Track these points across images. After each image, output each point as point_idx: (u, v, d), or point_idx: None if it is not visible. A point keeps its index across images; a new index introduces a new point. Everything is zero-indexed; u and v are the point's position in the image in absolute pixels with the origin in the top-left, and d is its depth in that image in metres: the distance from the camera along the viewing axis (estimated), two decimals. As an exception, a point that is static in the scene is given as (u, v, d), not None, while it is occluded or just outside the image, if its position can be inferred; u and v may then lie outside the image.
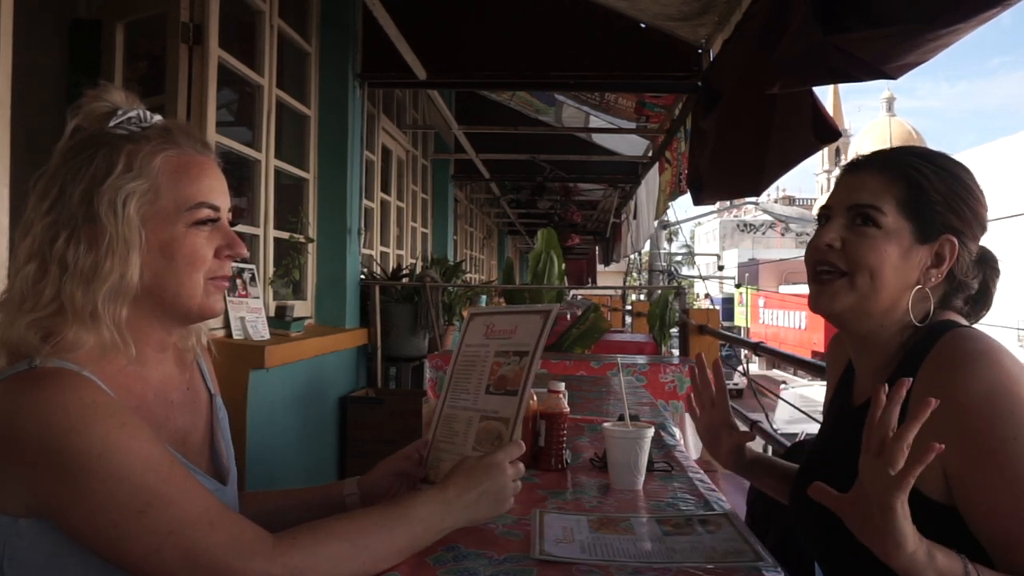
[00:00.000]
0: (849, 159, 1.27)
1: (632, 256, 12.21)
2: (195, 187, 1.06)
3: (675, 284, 12.59)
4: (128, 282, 1.01)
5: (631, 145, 6.98)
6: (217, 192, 1.09)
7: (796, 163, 2.49)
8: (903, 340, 1.16)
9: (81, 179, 1.00)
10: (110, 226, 0.99)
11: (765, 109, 2.52)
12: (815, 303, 1.20)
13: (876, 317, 1.16)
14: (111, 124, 1.04)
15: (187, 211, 1.05)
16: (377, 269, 4.76)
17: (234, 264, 1.15)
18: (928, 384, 1.03)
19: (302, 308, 3.52)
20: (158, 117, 1.09)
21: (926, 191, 1.13)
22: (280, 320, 3.10)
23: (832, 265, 1.17)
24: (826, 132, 2.15)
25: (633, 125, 5.89)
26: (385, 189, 5.37)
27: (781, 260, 38.56)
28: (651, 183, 7.28)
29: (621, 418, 1.52)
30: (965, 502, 1.00)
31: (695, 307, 9.20)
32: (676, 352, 6.13)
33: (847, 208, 1.16)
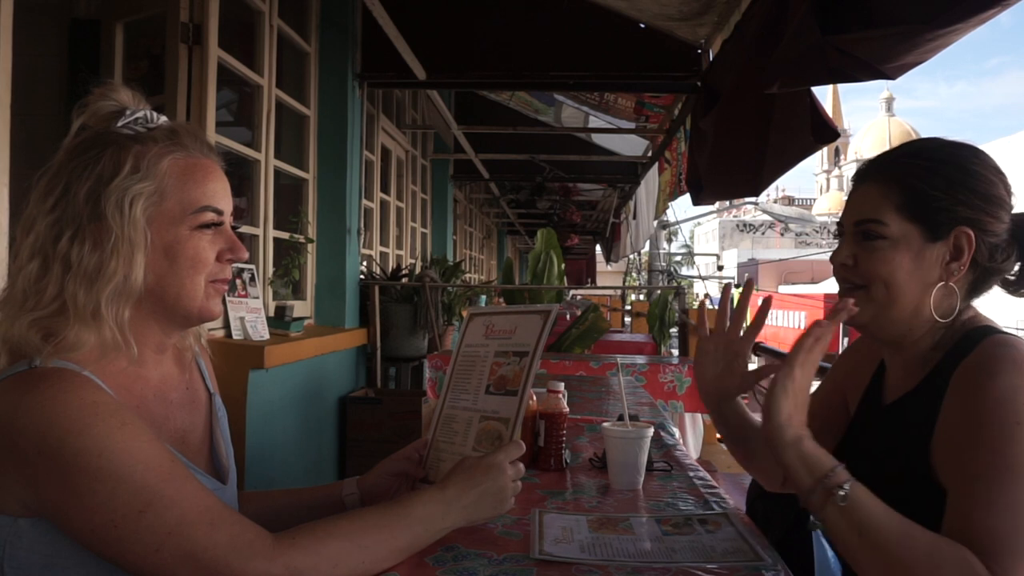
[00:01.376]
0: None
1: (631, 256, 12.22)
2: (200, 190, 1.06)
3: (674, 284, 12.59)
4: (132, 283, 1.01)
5: (630, 145, 6.99)
6: (221, 196, 1.09)
7: (794, 163, 2.49)
8: (936, 340, 1.17)
9: (87, 178, 1.00)
10: (116, 227, 0.99)
11: (764, 109, 2.52)
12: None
13: (903, 321, 1.16)
14: (119, 124, 1.04)
15: (192, 214, 1.05)
16: (376, 269, 4.76)
17: (234, 264, 1.15)
18: (957, 386, 1.05)
19: (301, 308, 3.52)
20: (164, 118, 1.09)
21: (924, 191, 1.12)
22: (279, 320, 3.10)
23: (850, 281, 1.19)
24: (825, 132, 2.16)
25: (632, 125, 5.90)
26: (384, 189, 5.38)
27: (780, 260, 38.55)
28: (650, 183, 7.28)
29: (620, 418, 1.52)
30: (948, 479, 1.03)
31: (694, 307, 9.20)
32: (675, 352, 6.13)
33: (854, 224, 1.18)
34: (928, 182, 1.12)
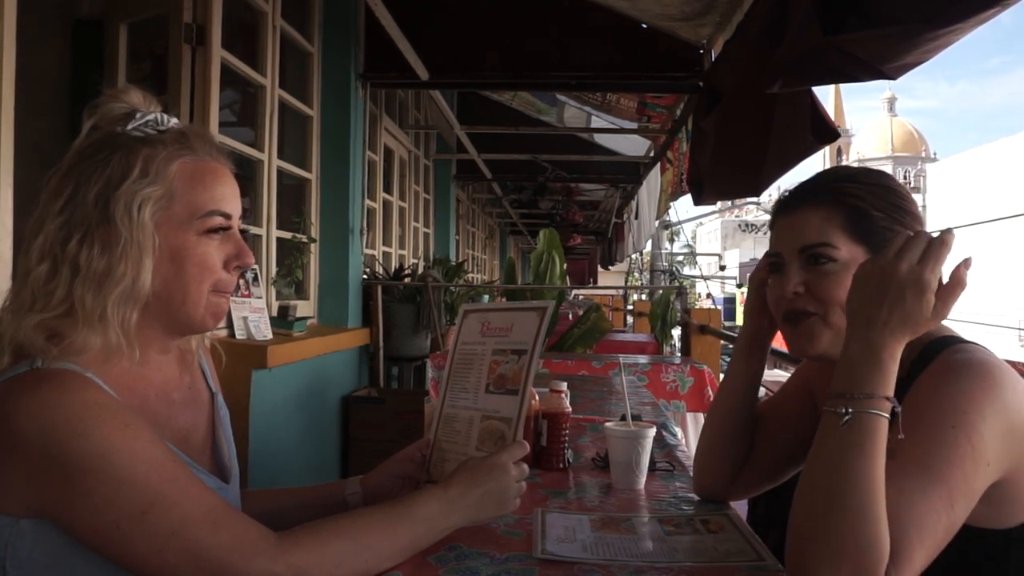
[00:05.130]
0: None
1: (633, 256, 12.20)
2: (208, 194, 1.06)
3: (677, 284, 12.58)
4: (140, 287, 1.01)
5: (632, 145, 6.99)
6: (230, 200, 1.09)
7: (795, 163, 2.49)
8: None
9: (96, 181, 1.00)
10: (124, 230, 0.99)
11: (765, 109, 2.52)
12: (795, 348, 1.18)
13: None
14: (129, 127, 1.04)
15: (199, 219, 1.05)
16: (379, 269, 4.77)
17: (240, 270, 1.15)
18: (913, 391, 1.03)
19: (304, 308, 3.53)
20: (175, 120, 1.09)
21: (866, 211, 1.12)
22: (282, 320, 3.11)
23: (800, 310, 1.16)
24: (825, 132, 2.16)
25: (634, 125, 5.90)
26: (387, 189, 5.38)
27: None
28: (652, 183, 7.28)
29: (623, 418, 1.52)
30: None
31: (697, 307, 9.20)
32: (678, 352, 6.13)
33: (798, 251, 1.15)
34: (869, 202, 1.13)
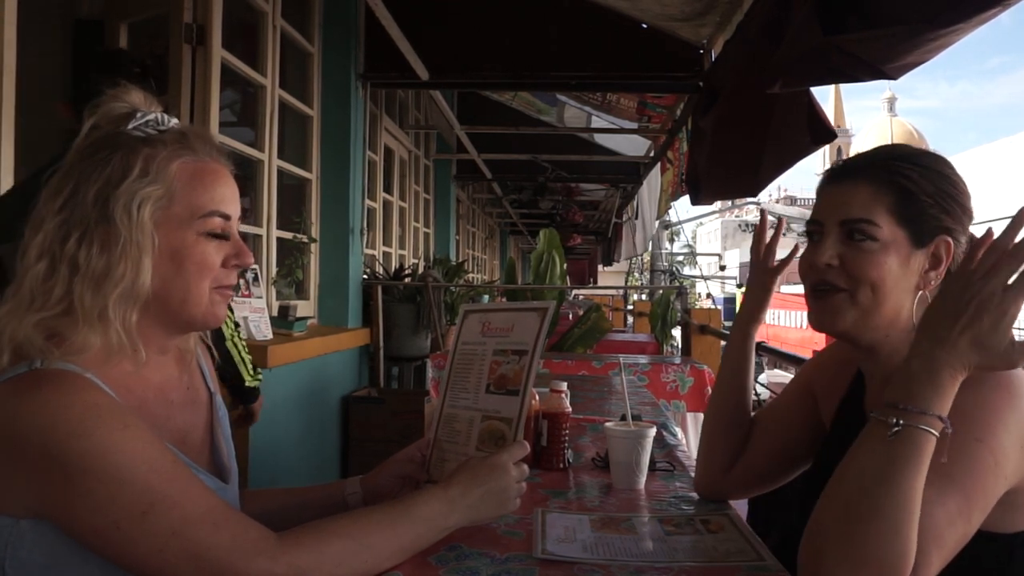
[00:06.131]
0: (829, 165, 1.24)
1: (634, 256, 12.21)
2: (208, 195, 1.05)
3: (677, 284, 12.58)
4: (140, 286, 1.00)
5: (633, 145, 6.99)
6: (229, 200, 1.09)
7: (791, 164, 2.49)
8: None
9: (96, 180, 1.00)
10: (124, 230, 0.99)
11: (763, 109, 2.52)
12: (817, 321, 1.17)
13: (881, 328, 1.13)
14: (130, 126, 1.04)
15: (199, 219, 1.05)
16: (379, 269, 4.77)
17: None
18: None
19: (305, 308, 3.53)
20: (175, 120, 1.09)
21: (916, 195, 1.10)
22: (283, 320, 3.11)
23: (831, 283, 1.14)
24: (821, 133, 2.16)
25: (634, 125, 5.90)
26: (387, 189, 5.38)
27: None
28: (653, 183, 7.29)
29: (623, 418, 1.52)
30: None
31: (697, 307, 9.20)
32: (678, 352, 6.13)
33: (839, 223, 1.13)
34: (920, 186, 1.10)
